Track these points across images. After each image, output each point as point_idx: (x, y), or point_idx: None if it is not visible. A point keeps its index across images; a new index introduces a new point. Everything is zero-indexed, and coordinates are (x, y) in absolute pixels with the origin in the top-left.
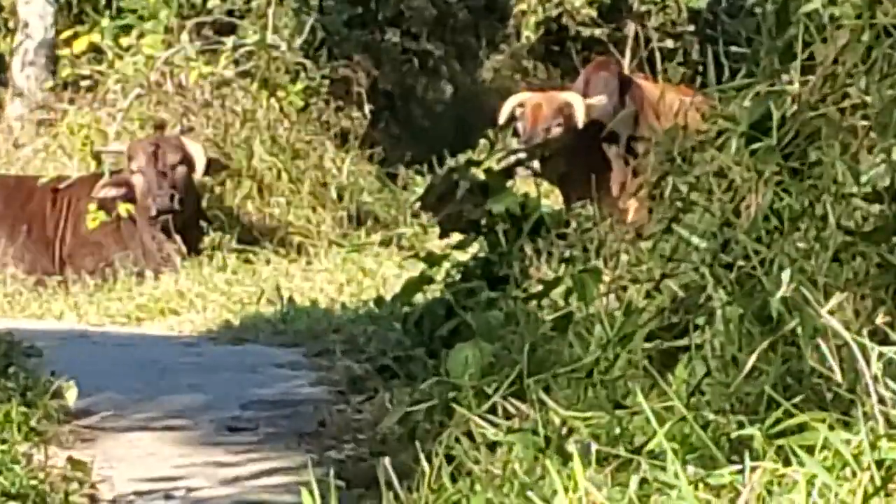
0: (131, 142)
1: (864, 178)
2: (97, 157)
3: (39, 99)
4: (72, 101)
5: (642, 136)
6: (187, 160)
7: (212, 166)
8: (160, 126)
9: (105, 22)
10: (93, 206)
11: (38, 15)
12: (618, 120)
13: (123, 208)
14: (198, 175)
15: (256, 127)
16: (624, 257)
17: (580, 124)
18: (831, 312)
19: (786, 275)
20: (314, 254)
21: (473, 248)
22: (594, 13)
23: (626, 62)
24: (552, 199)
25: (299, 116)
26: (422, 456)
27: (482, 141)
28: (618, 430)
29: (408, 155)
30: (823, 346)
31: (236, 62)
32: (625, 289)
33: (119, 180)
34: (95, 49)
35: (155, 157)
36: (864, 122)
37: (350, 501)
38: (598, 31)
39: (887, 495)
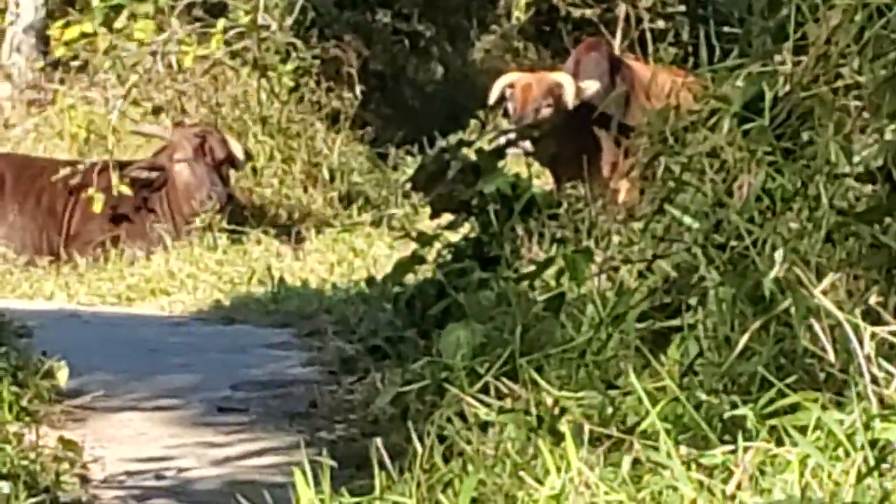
0: (174, 130)
1: (856, 159)
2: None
3: (30, 79)
4: (62, 82)
5: (633, 117)
6: (231, 156)
7: (250, 157)
8: (155, 110)
9: (95, 2)
10: (91, 190)
11: None
12: (608, 101)
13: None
14: (239, 171)
15: (248, 108)
16: (615, 238)
17: (570, 105)
18: (824, 292)
19: (778, 255)
20: (305, 234)
21: (464, 229)
22: None
23: (616, 43)
24: (543, 180)
25: (290, 97)
26: (414, 436)
27: (473, 121)
28: (610, 411)
29: (398, 135)
30: (816, 326)
31: (227, 43)
32: (616, 269)
33: (154, 164)
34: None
35: (202, 151)
36: (857, 103)
37: (341, 481)
38: (588, 12)
39: (881, 475)
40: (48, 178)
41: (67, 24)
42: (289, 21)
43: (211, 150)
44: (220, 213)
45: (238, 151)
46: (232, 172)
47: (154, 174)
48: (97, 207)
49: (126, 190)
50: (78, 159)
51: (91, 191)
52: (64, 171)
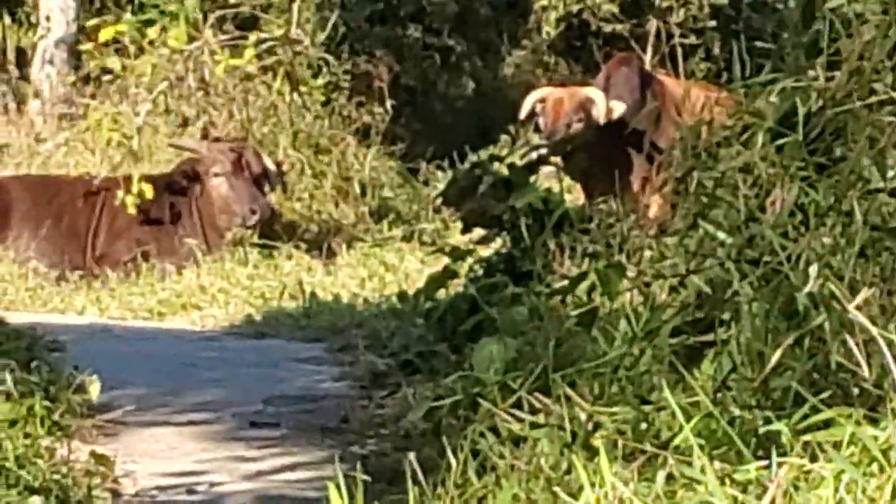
0: (210, 143)
1: (890, 174)
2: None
3: (61, 94)
4: (93, 97)
5: (664, 133)
6: (266, 170)
7: (282, 172)
8: (184, 122)
9: (127, 16)
10: (120, 193)
11: (59, 9)
12: (640, 116)
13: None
14: (273, 185)
15: (279, 122)
16: (647, 253)
17: (601, 120)
18: (858, 308)
19: (813, 270)
20: (336, 249)
21: (496, 244)
22: (615, 9)
23: (647, 58)
24: (574, 195)
25: (321, 111)
26: (448, 450)
27: (503, 136)
28: (644, 426)
29: (429, 150)
30: (850, 342)
31: (259, 57)
32: (648, 285)
33: (189, 173)
34: (117, 48)
35: (240, 166)
36: (891, 118)
37: (373, 496)
38: (619, 27)
39: None
40: (68, 198)
41: (101, 25)
42: (321, 36)
43: (248, 165)
44: (262, 226)
45: (271, 166)
46: (267, 188)
47: (186, 183)
48: (131, 209)
49: (150, 193)
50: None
51: (120, 195)
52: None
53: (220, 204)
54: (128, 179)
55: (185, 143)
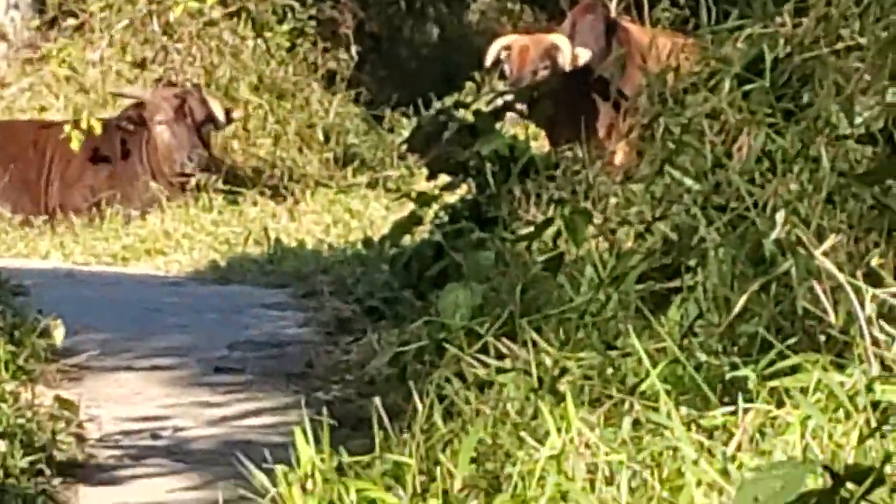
0: (154, 90)
1: (857, 120)
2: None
3: (25, 38)
4: (55, 39)
5: (630, 80)
6: (211, 116)
7: (230, 119)
8: (141, 65)
9: None
10: (67, 128)
11: None
12: (606, 63)
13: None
14: (220, 131)
15: (242, 67)
16: (613, 200)
17: (567, 68)
18: (825, 254)
19: (780, 216)
20: (300, 196)
21: (461, 190)
22: None
23: (612, 5)
24: (540, 142)
25: (286, 57)
26: (415, 395)
27: (468, 83)
28: (610, 371)
29: (394, 97)
30: (817, 288)
31: (223, 2)
32: (613, 231)
33: (134, 117)
34: None
35: (182, 112)
36: (858, 64)
37: (338, 441)
38: None
39: (882, 436)
40: (21, 145)
41: None
42: None
43: (191, 112)
44: (201, 175)
45: (219, 112)
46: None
47: (133, 128)
48: (75, 146)
49: (98, 130)
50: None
51: (67, 128)
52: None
53: (163, 150)
54: (77, 121)
55: (127, 90)
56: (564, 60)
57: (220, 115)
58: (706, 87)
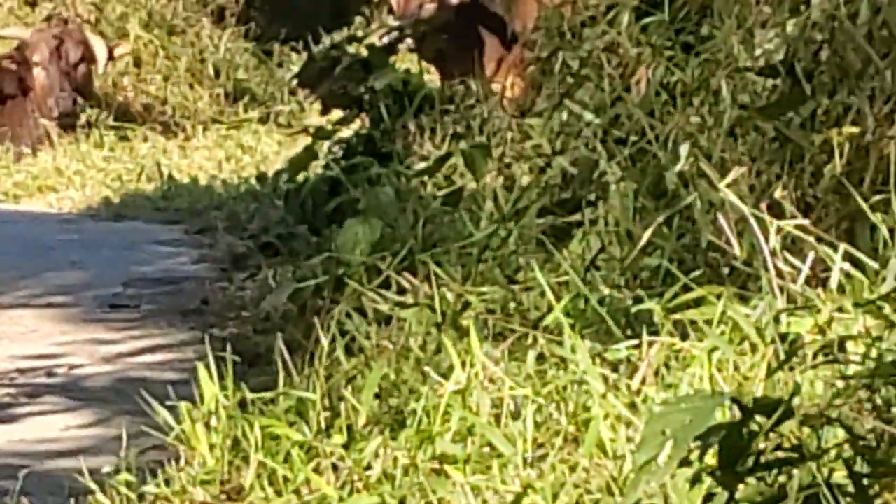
0: (33, 31)
1: (758, 52)
2: None
3: None
4: None
5: (523, 13)
6: (90, 55)
7: (113, 57)
8: (32, 3)
9: None
10: None
11: None
12: None
13: None
14: (99, 70)
15: (133, 3)
16: (509, 134)
17: (454, 0)
18: (728, 187)
19: (684, 149)
20: (192, 131)
21: (355, 125)
22: None
23: None
24: (434, 76)
25: None
26: (319, 330)
27: (358, 18)
28: (513, 305)
29: (283, 32)
30: (721, 220)
31: None
32: (508, 166)
33: (17, 58)
34: None
35: (58, 54)
36: None
37: (236, 378)
38: None
39: (791, 369)
40: None
41: None
42: None
43: (66, 53)
44: (66, 118)
45: (100, 50)
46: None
47: (16, 68)
48: None
49: None
50: None
51: None
52: None
53: (39, 92)
54: None
55: (8, 31)
56: None
57: (100, 54)
58: (604, 20)
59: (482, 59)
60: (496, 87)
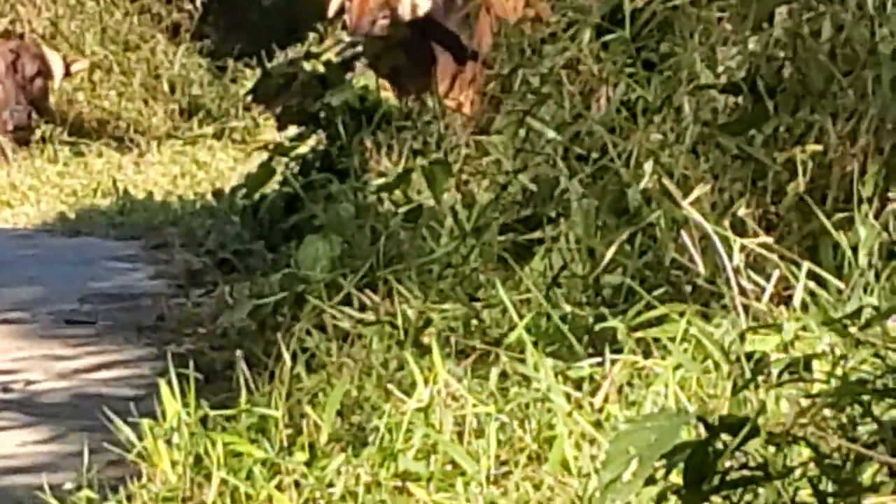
0: None
1: (720, 70)
2: None
3: None
4: None
5: (482, 31)
6: (46, 70)
7: (69, 73)
8: None
9: None
10: None
11: None
12: (449, 14)
13: None
14: (55, 84)
15: (88, 19)
16: (464, 150)
17: (407, 17)
18: (691, 204)
19: (647, 166)
20: (146, 147)
21: (311, 142)
22: None
23: None
24: (390, 92)
25: (130, 8)
26: (282, 347)
27: (311, 34)
28: (475, 323)
29: (237, 48)
30: (684, 238)
31: None
32: (466, 183)
33: None
34: None
35: (14, 68)
36: (720, 14)
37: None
38: None
39: (756, 387)
40: None
41: None
42: None
43: (22, 67)
44: (21, 132)
45: (56, 65)
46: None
47: None
48: None
49: None
50: None
51: None
52: None
53: None
54: None
55: None
56: (404, 11)
57: (56, 69)
58: (565, 37)
59: (434, 75)
60: (451, 103)
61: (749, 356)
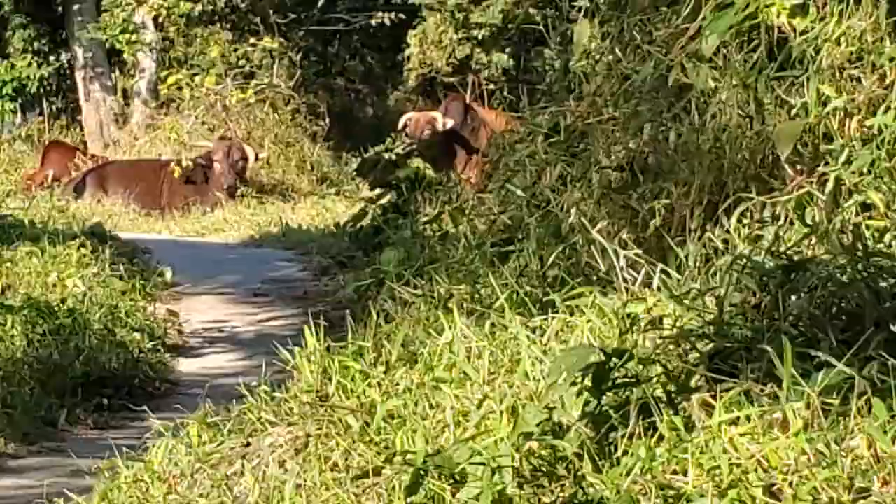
0: (215, 141)
1: (613, 158)
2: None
3: (147, 113)
4: (165, 114)
5: (480, 138)
6: (245, 157)
7: (258, 158)
8: (212, 128)
9: (184, 71)
10: (173, 166)
11: (146, 66)
12: (464, 128)
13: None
14: (250, 165)
15: (265, 129)
16: (470, 202)
17: (440, 129)
18: (599, 232)
19: (573, 210)
20: (298, 199)
21: (389, 196)
22: (449, 69)
23: (468, 96)
24: (430, 170)
25: (290, 123)
26: (371, 309)
27: (388, 139)
28: (477, 296)
29: (347, 145)
30: (593, 250)
31: (256, 93)
32: (472, 220)
33: (206, 157)
34: (178, 87)
35: (228, 155)
36: (614, 127)
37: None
38: (451, 79)
39: (632, 333)
40: (145, 171)
41: (169, 75)
42: (290, 83)
43: (232, 154)
44: (232, 192)
45: (250, 154)
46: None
47: (205, 163)
48: (176, 174)
49: (178, 172)
50: (166, 159)
51: (172, 165)
52: (166, 163)
53: (217, 177)
54: (179, 161)
55: (202, 142)
56: (439, 126)
57: (251, 156)
58: (527, 139)
59: (456, 162)
60: (464, 177)
61: (628, 315)
